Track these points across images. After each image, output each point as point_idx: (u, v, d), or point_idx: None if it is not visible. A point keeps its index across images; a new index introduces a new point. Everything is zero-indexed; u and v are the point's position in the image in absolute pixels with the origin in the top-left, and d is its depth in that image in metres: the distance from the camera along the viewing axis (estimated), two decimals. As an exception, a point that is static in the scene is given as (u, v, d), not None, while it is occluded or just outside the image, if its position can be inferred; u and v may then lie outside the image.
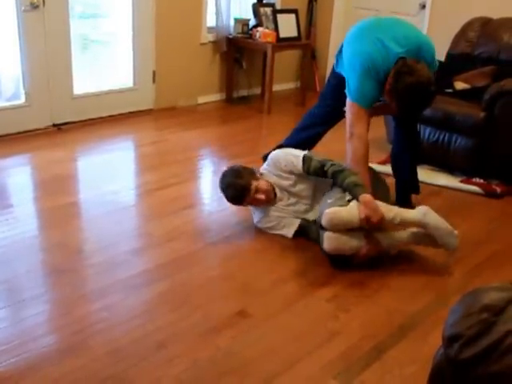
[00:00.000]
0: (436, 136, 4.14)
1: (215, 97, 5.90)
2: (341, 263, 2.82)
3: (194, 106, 5.68)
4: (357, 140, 2.96)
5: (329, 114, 3.47)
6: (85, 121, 4.84)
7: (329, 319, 2.44)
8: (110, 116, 5.02)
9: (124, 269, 2.71)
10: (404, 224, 2.85)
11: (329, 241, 2.72)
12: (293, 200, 3.10)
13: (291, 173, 3.05)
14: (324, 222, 2.70)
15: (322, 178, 2.99)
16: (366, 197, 2.75)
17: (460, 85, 4.30)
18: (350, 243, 2.74)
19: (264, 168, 3.16)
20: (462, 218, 3.48)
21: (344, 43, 3.15)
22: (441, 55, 4.66)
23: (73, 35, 4.61)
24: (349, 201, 2.79)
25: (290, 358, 2.18)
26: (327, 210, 2.71)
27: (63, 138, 4.47)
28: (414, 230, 2.89)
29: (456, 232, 2.86)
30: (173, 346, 2.20)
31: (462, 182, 3.97)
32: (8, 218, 3.13)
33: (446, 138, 4.09)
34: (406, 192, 3.52)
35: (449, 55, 4.62)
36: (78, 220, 3.22)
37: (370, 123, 3.02)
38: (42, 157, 4.07)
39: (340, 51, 3.23)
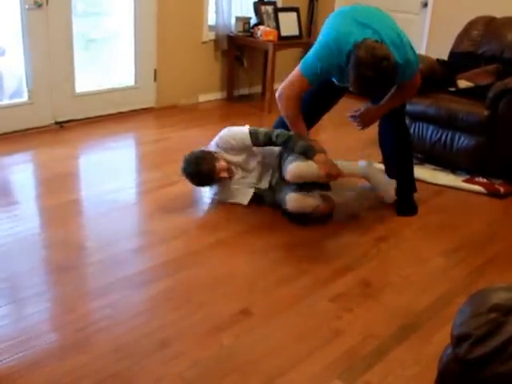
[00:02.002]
0: (439, 135, 4.13)
1: (216, 95, 5.89)
2: (300, 221, 3.19)
3: (195, 104, 5.67)
4: (285, 101, 3.12)
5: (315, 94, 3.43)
6: (87, 119, 4.83)
7: (332, 319, 2.43)
8: (111, 114, 5.00)
9: (126, 267, 2.70)
10: (351, 175, 3.49)
11: (291, 201, 3.14)
12: (245, 173, 3.43)
13: (241, 149, 3.34)
14: (289, 176, 3.09)
15: (270, 146, 3.32)
16: (321, 156, 3.14)
17: (463, 83, 4.29)
18: (310, 202, 3.15)
19: (216, 148, 3.39)
20: (465, 218, 3.47)
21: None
22: (444, 54, 4.67)
23: (75, 33, 4.60)
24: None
25: (294, 357, 2.17)
26: (290, 166, 3.09)
27: (65, 136, 4.46)
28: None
29: (394, 182, 3.43)
30: (176, 344, 2.19)
31: (464, 181, 3.95)
32: (10, 216, 3.12)
33: (449, 136, 4.08)
34: (406, 192, 3.51)
35: (452, 54, 4.60)
36: (81, 218, 3.21)
37: (303, 92, 3.10)
38: (45, 154, 4.06)
39: None
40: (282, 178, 3.29)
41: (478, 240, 3.21)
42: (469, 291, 2.60)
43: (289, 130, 3.30)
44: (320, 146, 3.28)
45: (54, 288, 2.52)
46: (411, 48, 3.00)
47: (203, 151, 3.35)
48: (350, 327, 2.38)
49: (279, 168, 3.34)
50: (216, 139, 3.40)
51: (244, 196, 3.42)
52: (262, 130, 3.30)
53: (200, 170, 3.27)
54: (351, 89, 2.96)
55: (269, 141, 3.26)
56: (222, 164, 3.30)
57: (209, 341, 2.23)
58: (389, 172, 3.56)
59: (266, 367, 2.11)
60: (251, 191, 3.42)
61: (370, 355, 2.21)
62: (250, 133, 3.27)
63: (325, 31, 3.04)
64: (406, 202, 3.51)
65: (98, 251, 2.82)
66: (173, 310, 2.40)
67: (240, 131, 3.32)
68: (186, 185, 3.67)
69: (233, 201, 3.43)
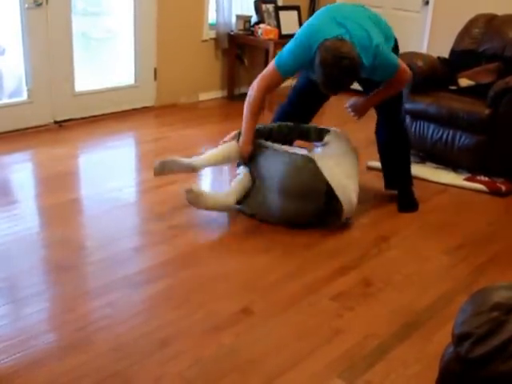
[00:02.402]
0: (440, 133, 4.12)
1: (216, 94, 5.88)
2: None
3: (195, 103, 5.66)
4: (255, 92, 3.12)
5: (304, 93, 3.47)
6: (86, 118, 4.82)
7: (333, 317, 2.42)
8: (111, 113, 4.99)
9: (126, 266, 2.69)
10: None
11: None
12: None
13: None
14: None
15: None
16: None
17: (464, 82, 4.28)
18: None
19: None
20: (466, 217, 3.46)
21: None
22: (445, 52, 4.65)
23: (75, 32, 4.59)
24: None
25: (294, 356, 2.16)
26: None
27: (65, 135, 4.45)
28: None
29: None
30: (176, 344, 2.18)
31: (466, 180, 3.94)
32: (10, 215, 3.11)
33: (450, 135, 4.07)
34: (405, 188, 3.53)
35: (453, 52, 4.59)
36: (80, 217, 3.20)
37: (276, 85, 3.17)
38: (44, 154, 4.05)
39: None
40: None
41: (480, 238, 3.19)
42: (470, 290, 2.59)
43: (291, 121, 3.38)
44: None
45: (53, 287, 2.51)
46: (385, 50, 3.01)
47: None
48: (351, 326, 2.37)
49: None
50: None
51: None
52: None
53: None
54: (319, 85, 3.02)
55: None
56: None
57: (209, 340, 2.22)
58: (383, 167, 3.60)
59: (266, 366, 2.10)
60: None
61: (370, 354, 2.20)
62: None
63: (302, 27, 3.10)
64: (406, 198, 3.52)
65: (98, 250, 2.81)
66: (173, 309, 2.39)
67: None
68: (186, 184, 3.66)
69: None
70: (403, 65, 3.10)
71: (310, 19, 3.11)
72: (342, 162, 3.18)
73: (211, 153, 3.26)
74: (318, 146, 3.33)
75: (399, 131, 3.46)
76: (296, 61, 3.03)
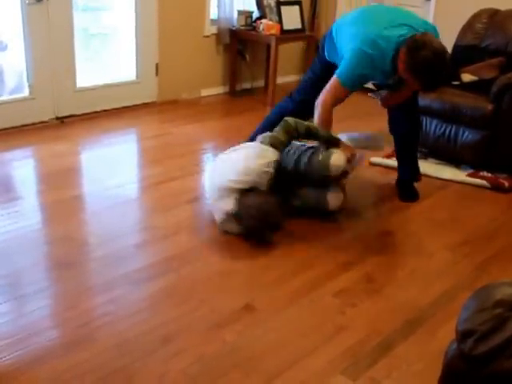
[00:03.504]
0: (443, 129, 4.10)
1: (218, 89, 5.87)
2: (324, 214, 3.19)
3: (197, 98, 5.65)
4: (322, 108, 3.11)
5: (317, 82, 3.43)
6: (88, 114, 4.81)
7: (336, 314, 2.41)
8: (113, 109, 4.98)
9: (129, 262, 2.69)
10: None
11: (335, 200, 3.14)
12: None
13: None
14: (334, 169, 3.00)
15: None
16: (342, 142, 3.16)
17: (467, 77, 4.26)
18: (342, 197, 3.17)
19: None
20: (469, 213, 3.45)
21: (343, 24, 3.16)
22: (448, 47, 4.61)
23: (76, 28, 4.58)
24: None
25: (297, 353, 2.16)
26: (331, 160, 3.00)
27: (66, 131, 4.45)
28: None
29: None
30: (178, 340, 2.18)
31: (468, 175, 3.93)
32: (12, 212, 3.11)
33: (453, 130, 4.05)
34: (409, 179, 3.57)
35: (456, 47, 4.57)
36: (82, 213, 3.19)
37: (343, 101, 3.16)
38: (46, 150, 4.04)
39: (330, 36, 3.27)
40: (299, 179, 3.19)
41: (483, 235, 3.18)
42: (473, 286, 2.58)
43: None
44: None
45: (55, 284, 2.50)
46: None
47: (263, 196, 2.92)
48: (354, 323, 2.36)
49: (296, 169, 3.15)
50: (229, 186, 2.92)
51: None
52: (274, 134, 3.03)
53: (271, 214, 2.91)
54: (417, 87, 3.04)
55: (290, 137, 3.06)
56: None
57: (211, 337, 2.21)
58: (401, 159, 3.61)
59: (268, 363, 2.09)
60: None
61: (373, 351, 2.20)
62: (272, 144, 2.97)
63: (352, 41, 3.00)
64: (407, 188, 3.56)
65: (100, 247, 2.81)
66: (175, 306, 2.39)
67: (258, 156, 2.92)
68: (188, 180, 3.67)
69: None
70: None
71: (353, 33, 3.02)
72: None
73: None
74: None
75: (418, 120, 3.54)
76: (365, 75, 3.03)
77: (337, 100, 3.11)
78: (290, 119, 3.07)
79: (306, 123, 3.08)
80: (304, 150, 3.16)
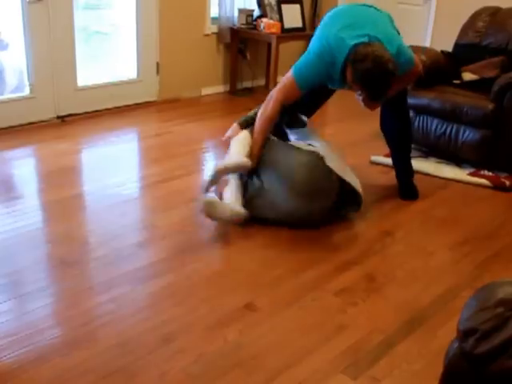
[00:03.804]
0: (444, 128, 4.10)
1: (219, 88, 5.87)
2: None
3: (197, 97, 5.65)
4: (273, 103, 3.11)
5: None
6: (89, 113, 4.81)
7: (336, 313, 2.41)
8: (113, 108, 4.99)
9: (130, 261, 2.69)
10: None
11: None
12: None
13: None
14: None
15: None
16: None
17: (468, 76, 4.26)
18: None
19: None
20: (470, 212, 3.45)
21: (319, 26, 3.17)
22: (448, 46, 4.63)
23: (77, 27, 4.58)
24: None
25: (298, 352, 2.16)
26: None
27: (67, 130, 4.45)
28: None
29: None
30: (180, 339, 2.18)
31: (470, 174, 3.93)
32: (13, 211, 3.11)
33: (454, 130, 4.05)
34: (407, 177, 3.58)
35: (457, 45, 4.57)
36: (83, 212, 3.20)
37: (292, 99, 3.14)
38: (47, 149, 4.04)
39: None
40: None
41: (484, 234, 3.19)
42: (474, 285, 2.59)
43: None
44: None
45: (56, 283, 2.51)
46: (405, 47, 3.07)
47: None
48: (355, 321, 2.36)
49: None
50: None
51: None
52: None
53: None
54: (360, 94, 3.01)
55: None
56: None
57: (212, 336, 2.22)
58: (394, 157, 3.60)
59: (270, 362, 2.10)
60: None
61: (374, 350, 2.20)
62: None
63: (317, 38, 3.04)
64: (408, 186, 3.57)
65: (101, 246, 2.81)
66: (176, 304, 2.39)
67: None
68: (189, 179, 3.67)
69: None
70: (417, 59, 3.15)
71: (322, 29, 3.05)
72: (336, 157, 3.18)
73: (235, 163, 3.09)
74: (291, 133, 3.38)
75: (407, 118, 3.50)
76: (317, 76, 3.03)
77: (287, 100, 3.13)
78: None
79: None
80: None
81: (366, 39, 2.85)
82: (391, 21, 3.15)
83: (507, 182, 3.79)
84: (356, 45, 2.83)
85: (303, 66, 3.05)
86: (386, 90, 2.93)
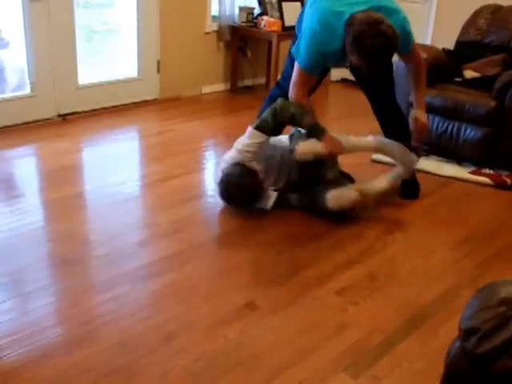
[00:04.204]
0: (445, 126, 4.09)
1: (220, 86, 5.86)
2: (338, 218, 3.16)
3: (198, 95, 5.64)
4: (296, 98, 3.09)
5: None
6: (90, 111, 4.81)
7: (337, 312, 2.41)
8: (114, 106, 4.99)
9: (131, 260, 2.69)
10: (363, 150, 3.32)
11: (333, 199, 3.09)
12: (264, 177, 3.26)
13: (260, 155, 3.17)
14: (296, 155, 3.10)
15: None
16: (327, 135, 3.10)
17: (470, 73, 4.25)
18: (350, 197, 3.12)
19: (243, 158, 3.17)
20: (471, 210, 3.45)
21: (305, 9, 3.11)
22: (450, 43, 4.62)
23: (77, 25, 4.58)
24: None
25: (299, 351, 2.16)
26: (296, 146, 3.12)
27: (68, 129, 4.45)
28: (389, 173, 3.26)
29: (410, 153, 3.23)
30: (181, 338, 2.18)
31: (471, 173, 3.92)
32: (14, 209, 3.12)
33: (456, 128, 4.04)
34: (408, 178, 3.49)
35: (458, 43, 4.56)
36: (85, 211, 3.20)
37: (311, 85, 3.16)
38: (48, 147, 4.04)
39: (301, 14, 3.23)
40: (301, 176, 3.24)
41: (485, 232, 3.18)
42: (476, 284, 2.59)
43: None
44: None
45: (58, 282, 2.51)
46: (407, 20, 2.96)
47: (238, 167, 3.16)
48: (356, 320, 2.36)
49: (298, 166, 3.21)
50: (232, 155, 3.20)
51: (267, 201, 3.23)
52: (264, 116, 3.13)
53: (243, 187, 3.13)
54: (360, 67, 2.90)
55: (276, 122, 3.10)
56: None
57: (214, 334, 2.22)
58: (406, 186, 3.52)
59: (271, 361, 2.10)
60: (275, 194, 3.23)
61: (376, 349, 2.20)
62: (258, 127, 3.10)
63: (308, 18, 2.95)
64: (408, 185, 3.49)
65: (102, 245, 2.81)
66: (177, 303, 2.39)
67: (247, 136, 3.15)
68: (190, 178, 3.67)
69: (257, 206, 3.24)
70: (418, 50, 3.16)
71: (313, 8, 2.93)
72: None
73: None
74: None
75: (395, 104, 3.40)
76: (321, 57, 2.95)
77: (305, 88, 3.10)
78: (278, 103, 3.10)
79: (292, 110, 3.07)
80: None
81: (366, 5, 2.77)
82: None
83: (508, 181, 3.78)
84: (352, 14, 2.75)
85: (304, 51, 2.96)
86: (382, 58, 2.79)
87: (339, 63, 3.11)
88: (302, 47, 2.99)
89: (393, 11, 2.87)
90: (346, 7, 2.82)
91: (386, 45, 2.72)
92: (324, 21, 2.85)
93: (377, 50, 2.71)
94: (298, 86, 3.08)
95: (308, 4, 3.04)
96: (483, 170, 3.94)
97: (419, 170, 3.77)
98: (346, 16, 2.79)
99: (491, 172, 3.91)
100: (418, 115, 3.23)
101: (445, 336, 2.25)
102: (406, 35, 2.95)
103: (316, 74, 3.07)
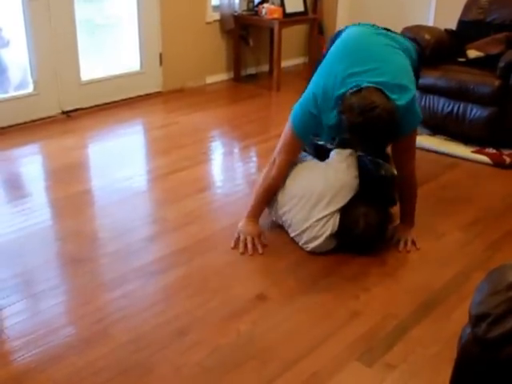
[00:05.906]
0: (450, 107, 4.06)
1: (223, 76, 5.84)
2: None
3: (202, 86, 5.62)
4: (276, 170, 2.75)
5: None
6: (93, 107, 4.81)
7: (349, 299, 2.41)
8: (118, 101, 4.98)
9: (141, 256, 2.70)
10: None
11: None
12: None
13: None
14: None
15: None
16: None
17: (473, 53, 4.21)
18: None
19: None
20: (479, 191, 3.42)
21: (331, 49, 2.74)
22: (452, 23, 4.58)
23: (78, 20, 4.56)
24: None
25: (312, 341, 2.16)
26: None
27: (73, 125, 4.45)
28: None
29: None
30: (193, 333, 2.19)
31: (473, 152, 3.90)
32: (22, 209, 3.12)
33: (461, 108, 4.01)
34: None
35: (461, 23, 4.51)
36: (92, 208, 3.20)
37: (298, 153, 2.82)
38: (53, 145, 4.05)
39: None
40: None
41: (494, 213, 3.16)
42: (487, 266, 2.58)
43: None
44: None
45: (68, 281, 2.52)
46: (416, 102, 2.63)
47: None
48: (368, 307, 2.36)
49: None
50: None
51: None
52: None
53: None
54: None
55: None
56: None
57: (226, 328, 2.22)
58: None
59: (284, 352, 2.10)
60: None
61: (389, 336, 2.20)
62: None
63: (320, 75, 2.66)
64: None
65: (111, 241, 2.82)
66: (188, 297, 2.40)
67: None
68: (197, 170, 3.66)
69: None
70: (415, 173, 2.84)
71: (321, 72, 2.65)
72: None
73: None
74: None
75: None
76: (313, 125, 2.65)
77: (293, 157, 2.77)
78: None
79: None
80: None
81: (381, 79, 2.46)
82: (403, 44, 2.74)
83: (508, 160, 3.75)
84: (344, 93, 2.46)
85: (298, 113, 2.67)
86: (380, 144, 2.63)
87: (334, 136, 2.80)
88: (298, 109, 2.69)
89: (406, 89, 2.53)
90: (357, 77, 2.49)
91: (380, 134, 2.46)
92: (324, 93, 2.57)
93: (371, 141, 2.52)
94: (285, 152, 2.74)
95: (331, 49, 2.70)
96: (486, 150, 3.91)
97: (423, 149, 3.73)
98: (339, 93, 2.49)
99: (494, 151, 3.88)
100: (401, 236, 2.87)
101: (458, 320, 2.25)
102: (411, 119, 2.61)
103: (305, 138, 2.73)
